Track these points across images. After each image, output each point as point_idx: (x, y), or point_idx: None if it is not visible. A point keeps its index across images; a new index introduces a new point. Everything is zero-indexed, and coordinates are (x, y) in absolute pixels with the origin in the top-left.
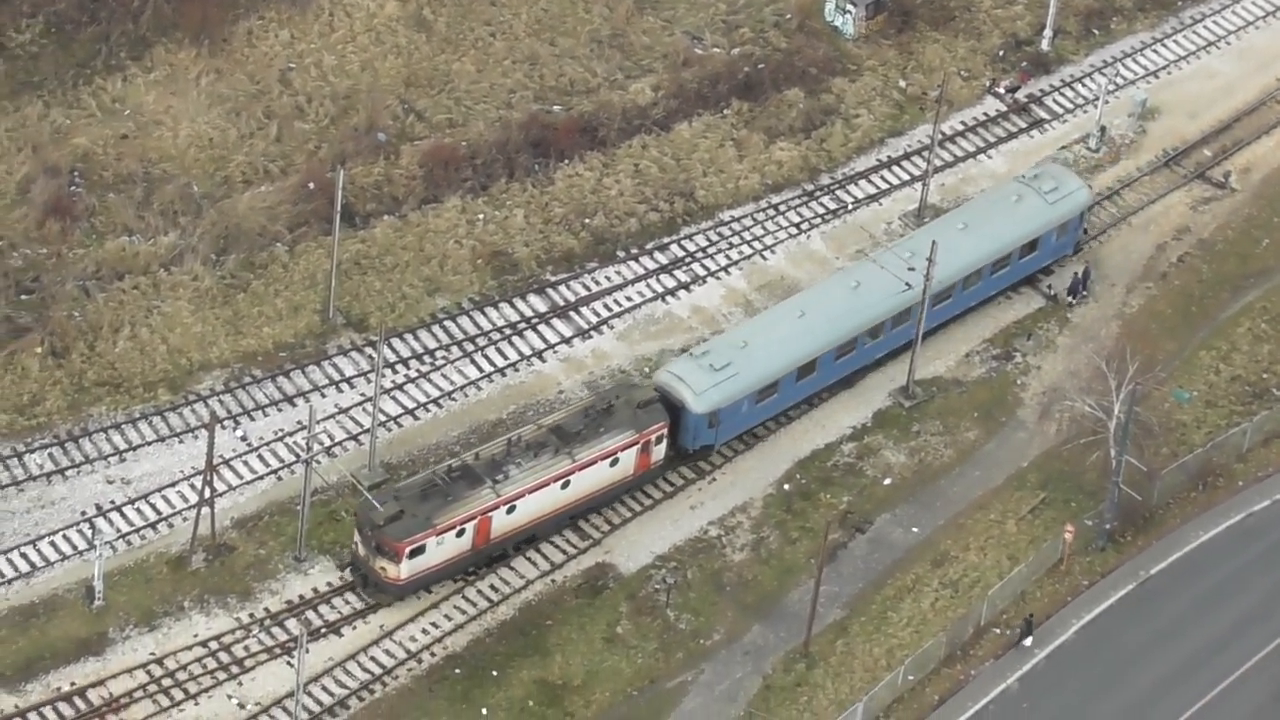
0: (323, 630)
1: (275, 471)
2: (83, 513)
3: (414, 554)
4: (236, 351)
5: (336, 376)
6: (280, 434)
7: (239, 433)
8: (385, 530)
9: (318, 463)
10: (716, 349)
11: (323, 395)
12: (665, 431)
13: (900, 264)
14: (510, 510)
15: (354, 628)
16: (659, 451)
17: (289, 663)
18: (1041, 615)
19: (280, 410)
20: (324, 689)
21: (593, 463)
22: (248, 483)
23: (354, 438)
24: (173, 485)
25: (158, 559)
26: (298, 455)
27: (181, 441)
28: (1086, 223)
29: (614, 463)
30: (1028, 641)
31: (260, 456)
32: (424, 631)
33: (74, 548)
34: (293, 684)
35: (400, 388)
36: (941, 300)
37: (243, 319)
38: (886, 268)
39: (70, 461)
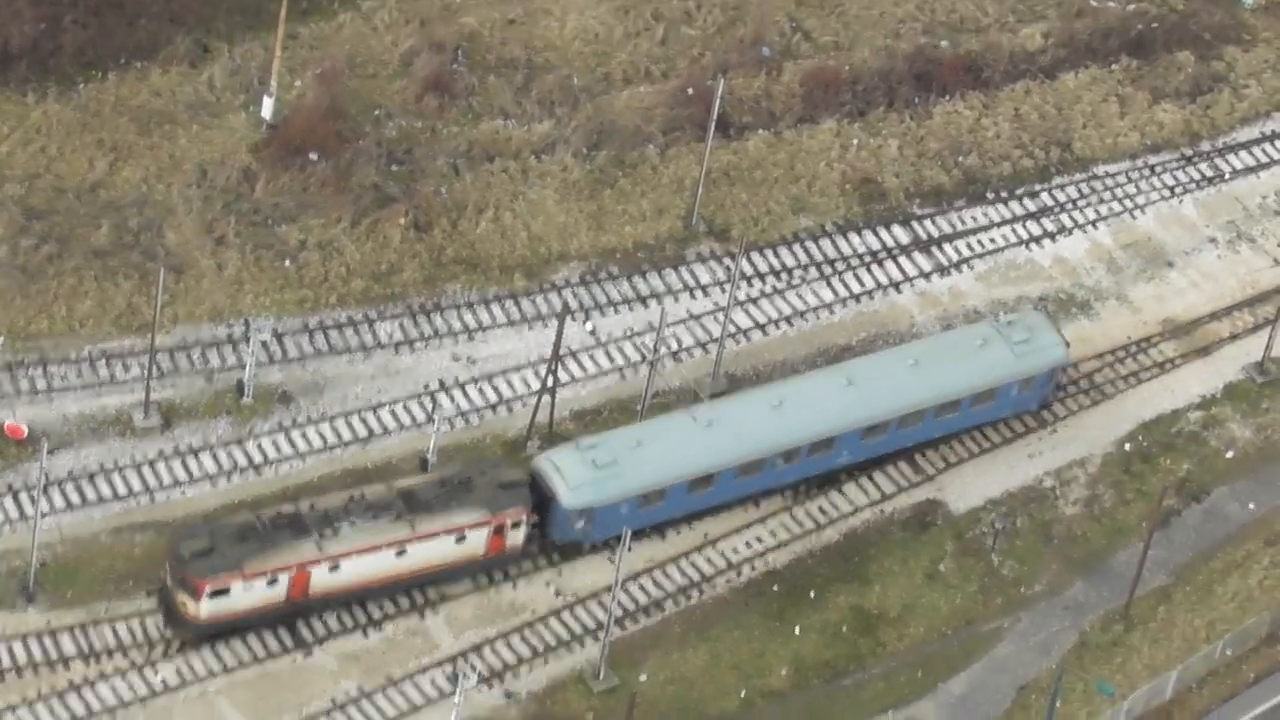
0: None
1: (620, 369)
2: (425, 386)
3: (216, 594)
4: (596, 246)
5: (691, 283)
6: (629, 333)
7: (589, 326)
8: (189, 565)
9: (662, 365)
10: (605, 444)
11: (675, 299)
12: (524, 517)
13: (835, 388)
14: (334, 568)
15: (678, 533)
16: (516, 536)
17: (610, 559)
18: None
19: (632, 309)
20: (641, 588)
21: (434, 535)
22: (591, 377)
23: (701, 345)
24: (517, 370)
25: (493, 440)
26: (643, 355)
27: (531, 328)
28: (1057, 380)
29: (460, 539)
30: None
31: (607, 352)
32: (747, 544)
33: (413, 419)
34: (611, 579)
35: (754, 301)
36: (873, 434)
37: (606, 215)
38: (815, 389)
39: (420, 334)
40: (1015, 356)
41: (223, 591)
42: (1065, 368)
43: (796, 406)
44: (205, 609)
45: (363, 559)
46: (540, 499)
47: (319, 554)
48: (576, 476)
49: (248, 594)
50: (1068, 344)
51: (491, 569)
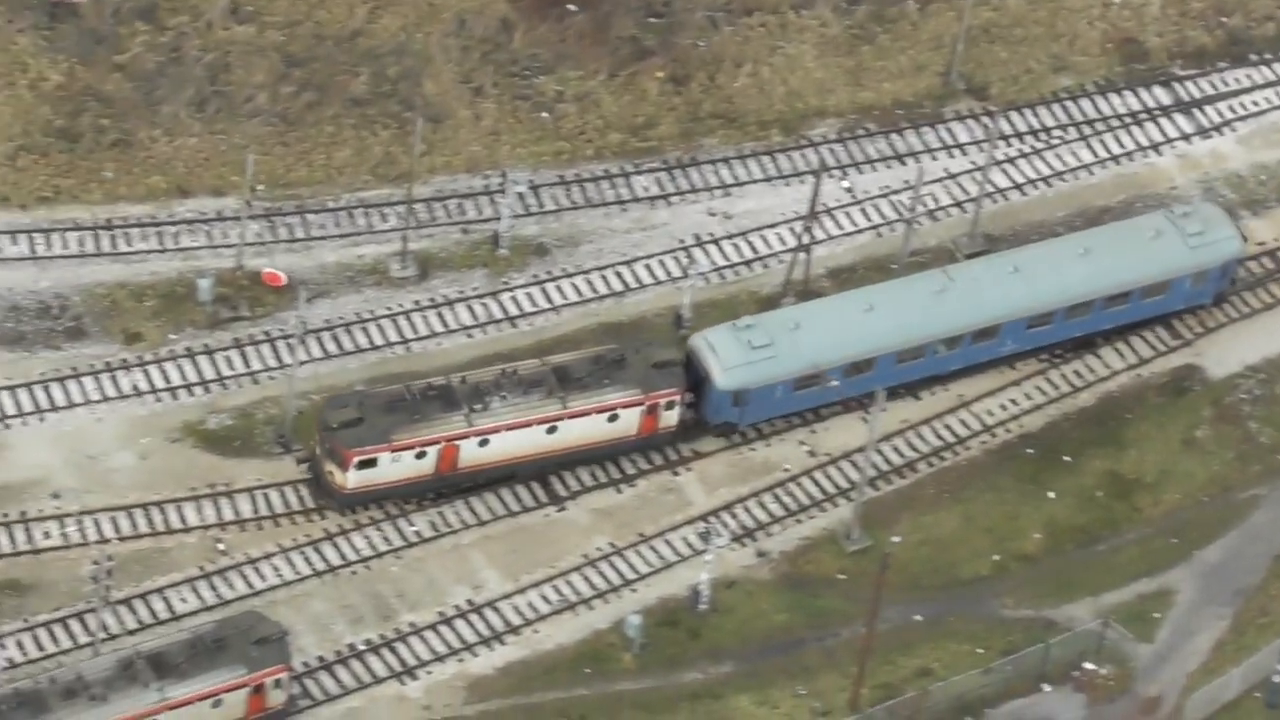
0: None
1: (875, 227)
2: (681, 241)
3: (363, 465)
4: (854, 103)
5: (949, 141)
6: (886, 190)
7: (845, 183)
8: (337, 434)
9: (919, 224)
10: (762, 325)
11: (933, 158)
12: (678, 398)
13: (1002, 275)
14: (483, 443)
15: (932, 393)
16: (670, 417)
17: (864, 418)
18: None
19: (889, 167)
20: (894, 449)
21: (585, 414)
22: (846, 234)
23: (958, 204)
24: (773, 226)
25: (748, 296)
26: (900, 214)
27: (787, 184)
28: (1232, 274)
29: (613, 418)
30: None
31: (863, 210)
32: (1002, 407)
33: (667, 273)
34: (863, 439)
35: (1012, 161)
36: (1039, 323)
37: (865, 71)
38: (980, 276)
39: (676, 188)
40: (1189, 249)
41: (370, 463)
42: (1241, 261)
43: (960, 293)
44: (352, 479)
45: (512, 435)
46: (695, 379)
47: (468, 427)
48: (732, 357)
49: (395, 466)
50: (1244, 237)
51: (644, 449)
